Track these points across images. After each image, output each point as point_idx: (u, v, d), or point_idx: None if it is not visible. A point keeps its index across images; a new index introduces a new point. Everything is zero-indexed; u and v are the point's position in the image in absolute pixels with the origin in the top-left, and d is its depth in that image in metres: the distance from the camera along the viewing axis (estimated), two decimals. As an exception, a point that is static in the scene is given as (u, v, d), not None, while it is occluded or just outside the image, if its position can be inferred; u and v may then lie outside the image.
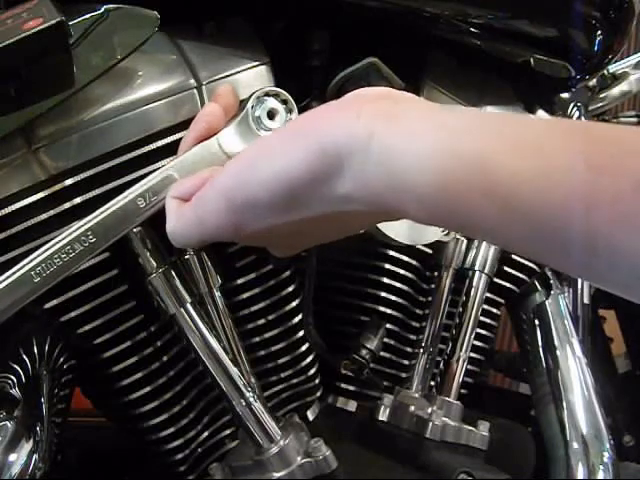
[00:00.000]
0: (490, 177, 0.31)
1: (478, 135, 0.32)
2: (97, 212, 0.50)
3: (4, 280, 0.48)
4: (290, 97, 0.53)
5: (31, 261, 0.49)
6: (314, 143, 0.36)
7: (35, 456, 0.51)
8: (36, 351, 0.58)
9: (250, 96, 0.52)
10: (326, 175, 0.36)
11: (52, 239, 0.50)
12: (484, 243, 0.80)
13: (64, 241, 0.49)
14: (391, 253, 0.76)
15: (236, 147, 0.50)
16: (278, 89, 0.53)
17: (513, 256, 0.86)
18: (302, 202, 0.38)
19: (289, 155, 0.37)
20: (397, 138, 0.34)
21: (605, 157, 0.29)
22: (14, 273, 0.48)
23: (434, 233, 0.68)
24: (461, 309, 0.80)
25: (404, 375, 0.80)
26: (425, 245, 0.78)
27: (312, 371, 0.72)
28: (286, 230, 0.42)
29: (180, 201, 0.48)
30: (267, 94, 0.52)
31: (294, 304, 0.69)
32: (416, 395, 0.79)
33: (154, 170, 0.57)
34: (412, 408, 0.75)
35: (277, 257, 0.66)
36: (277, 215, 0.40)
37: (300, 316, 0.70)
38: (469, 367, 0.82)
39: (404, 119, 0.35)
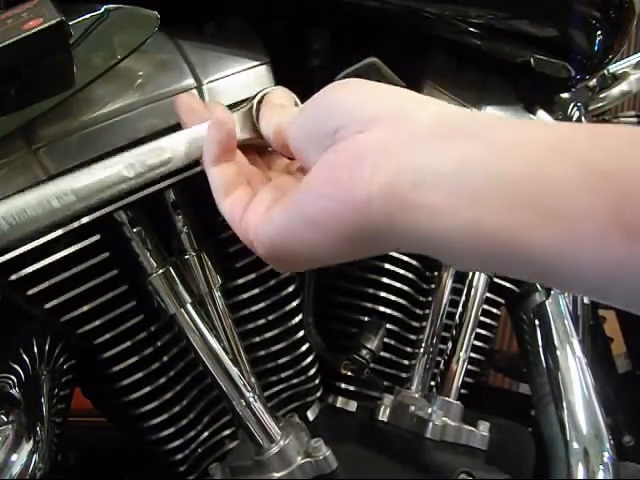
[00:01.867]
0: (523, 250, 0.30)
1: (501, 205, 0.30)
2: (81, 171, 0.46)
3: None
4: (296, 97, 0.53)
5: (3, 207, 0.45)
6: (338, 235, 0.36)
7: (35, 456, 0.51)
8: (36, 351, 0.58)
9: (254, 96, 0.51)
10: (360, 251, 0.37)
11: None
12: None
13: (42, 192, 0.45)
14: (391, 253, 0.76)
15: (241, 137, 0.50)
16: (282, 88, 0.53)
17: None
18: (355, 249, 0.38)
19: (317, 245, 0.37)
20: (417, 219, 0.33)
21: (636, 212, 0.27)
22: None
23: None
24: (461, 309, 0.80)
25: (404, 375, 0.80)
26: (425, 245, 0.78)
27: (312, 371, 0.72)
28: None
29: (221, 174, 0.45)
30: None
31: (294, 304, 0.69)
32: (416, 395, 0.79)
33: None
34: (412, 408, 0.75)
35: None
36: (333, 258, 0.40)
37: (300, 316, 0.70)
38: (469, 367, 0.82)
39: (418, 194, 0.32)
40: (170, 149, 0.48)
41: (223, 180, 0.45)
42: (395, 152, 0.34)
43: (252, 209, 0.42)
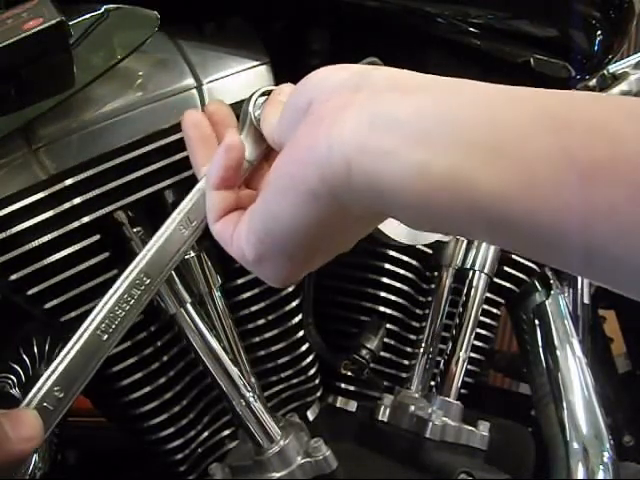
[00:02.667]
0: (472, 196, 0.29)
1: (452, 147, 0.30)
2: (143, 253, 0.49)
3: (73, 347, 0.46)
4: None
5: (94, 319, 0.47)
6: (303, 193, 0.36)
7: (35, 456, 0.51)
8: (36, 351, 0.58)
9: (250, 96, 0.51)
10: (329, 214, 0.37)
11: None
12: (484, 243, 0.81)
13: (121, 290, 0.48)
14: (391, 253, 0.76)
15: (253, 153, 0.50)
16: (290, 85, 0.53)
17: (513, 256, 0.86)
18: (326, 235, 0.40)
19: (291, 210, 0.38)
20: (372, 162, 0.33)
21: (596, 164, 0.26)
22: (80, 337, 0.46)
23: (434, 233, 0.68)
24: (461, 309, 0.80)
25: (404, 375, 0.80)
26: (425, 245, 0.78)
27: (312, 371, 0.72)
28: (318, 263, 0.45)
29: (219, 196, 0.46)
30: (264, 94, 0.52)
31: (294, 304, 0.69)
32: (416, 395, 0.79)
33: (154, 170, 0.57)
34: (412, 408, 0.75)
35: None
36: (311, 253, 0.42)
37: (300, 316, 0.70)
38: (469, 367, 0.82)
39: (374, 137, 0.33)
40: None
41: (220, 205, 0.46)
42: (353, 107, 0.35)
43: (240, 224, 0.43)
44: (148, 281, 0.48)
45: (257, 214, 0.41)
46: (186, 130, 0.49)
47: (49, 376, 0.46)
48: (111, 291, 0.48)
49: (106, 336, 0.47)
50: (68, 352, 0.46)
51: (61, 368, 0.46)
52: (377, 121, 0.33)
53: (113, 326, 0.47)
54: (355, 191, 0.34)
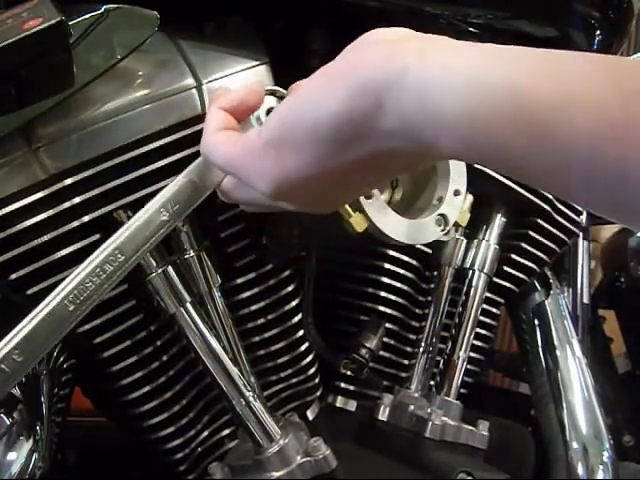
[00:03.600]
0: (519, 105, 0.32)
1: (507, 66, 0.33)
2: (121, 230, 0.49)
3: (38, 313, 0.46)
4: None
5: (63, 289, 0.47)
6: (353, 82, 0.37)
7: (35, 455, 0.51)
8: (36, 351, 0.58)
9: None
10: (367, 112, 0.37)
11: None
12: (484, 243, 0.81)
13: (94, 264, 0.48)
14: (391, 253, 0.76)
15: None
16: (277, 88, 0.53)
17: (513, 256, 0.86)
18: (347, 142, 0.39)
19: (330, 97, 0.38)
20: (429, 72, 0.35)
21: (634, 84, 0.29)
22: (47, 304, 0.47)
23: (434, 233, 0.68)
24: (461, 309, 0.80)
25: (404, 375, 0.80)
26: (425, 245, 0.78)
27: (312, 370, 0.72)
28: (328, 179, 0.42)
29: (227, 116, 0.47)
30: (265, 93, 0.52)
31: (294, 304, 0.69)
32: (416, 395, 0.79)
33: (154, 170, 0.57)
34: (412, 408, 0.75)
35: (278, 257, 0.66)
36: (323, 159, 0.40)
37: (300, 315, 0.70)
38: (469, 367, 0.82)
39: (435, 54, 0.36)
40: (194, 180, 0.50)
41: (223, 121, 0.47)
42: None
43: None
44: (122, 258, 0.49)
45: (286, 104, 0.42)
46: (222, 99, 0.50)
47: (11, 339, 0.46)
48: (84, 263, 0.48)
49: (73, 307, 0.47)
50: (34, 317, 0.46)
51: (24, 332, 0.46)
52: (441, 46, 0.37)
53: (81, 298, 0.47)
54: (402, 99, 0.36)
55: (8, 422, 0.51)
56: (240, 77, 0.60)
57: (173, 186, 0.50)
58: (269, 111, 0.52)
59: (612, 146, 0.28)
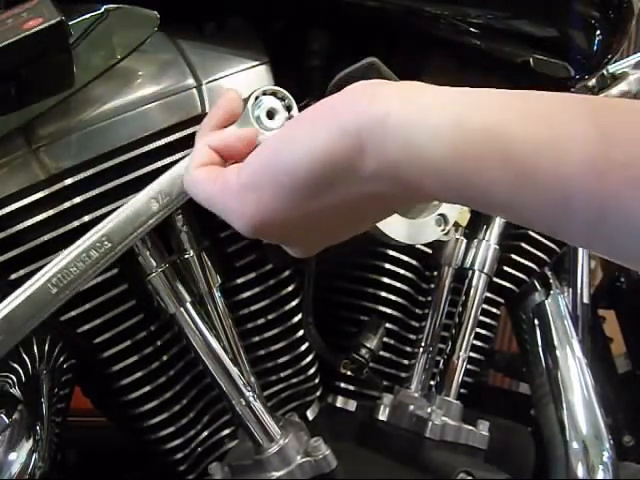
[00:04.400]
0: (504, 146, 0.32)
1: (491, 108, 0.34)
2: (110, 217, 0.49)
3: (21, 294, 0.46)
4: (290, 96, 0.53)
5: (47, 272, 0.47)
6: (334, 125, 0.37)
7: (35, 455, 0.51)
8: (36, 351, 0.58)
9: (249, 95, 0.52)
10: (349, 155, 0.37)
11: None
12: (484, 243, 0.81)
13: (79, 249, 0.48)
14: (391, 253, 0.76)
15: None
16: (277, 88, 0.53)
17: (513, 256, 0.86)
18: (327, 186, 0.39)
19: (311, 139, 0.38)
20: (412, 113, 0.35)
21: (615, 125, 0.30)
22: (30, 286, 0.47)
23: (434, 233, 0.68)
24: (461, 309, 0.80)
25: (404, 375, 0.80)
26: (425, 245, 0.78)
27: (312, 370, 0.72)
28: (307, 222, 0.42)
29: (212, 153, 0.47)
30: (266, 93, 0.52)
31: (294, 304, 0.69)
32: (416, 395, 0.79)
33: (154, 170, 0.57)
34: (412, 408, 0.75)
35: (278, 257, 0.66)
36: (302, 202, 0.40)
37: (300, 315, 0.70)
38: (469, 367, 0.82)
39: (418, 96, 0.36)
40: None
41: (207, 157, 0.46)
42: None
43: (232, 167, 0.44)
44: (109, 245, 0.49)
45: (266, 145, 0.42)
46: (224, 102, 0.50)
47: None
48: (71, 247, 0.48)
49: (55, 290, 0.47)
50: (15, 298, 0.46)
51: (5, 312, 0.46)
52: (424, 90, 0.37)
53: (65, 282, 0.48)
54: (384, 141, 0.36)
55: (8, 422, 0.51)
56: (240, 77, 0.60)
57: (165, 178, 0.50)
58: (269, 112, 0.52)
59: (593, 184, 0.30)
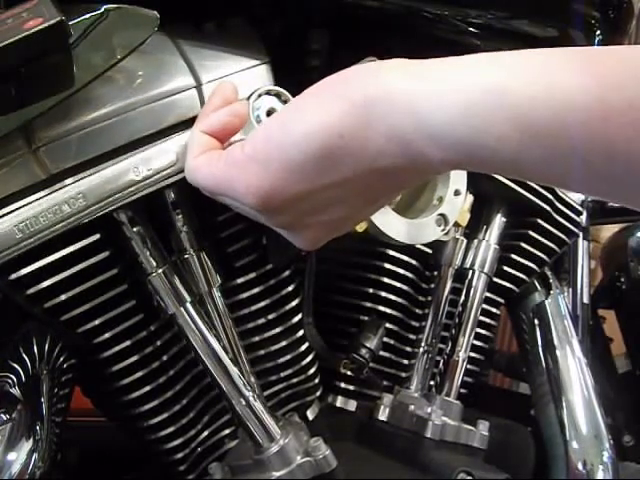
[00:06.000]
0: (510, 104, 0.33)
1: (492, 70, 0.35)
2: (91, 177, 0.49)
3: None
4: (290, 96, 0.53)
5: (16, 215, 0.47)
6: (342, 98, 0.38)
7: (35, 455, 0.51)
8: (36, 351, 0.58)
9: (250, 95, 0.52)
10: (357, 127, 0.38)
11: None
12: (484, 243, 0.81)
13: (53, 201, 0.48)
14: (391, 253, 0.76)
15: (236, 138, 0.51)
16: (278, 88, 0.53)
17: (513, 256, 0.86)
18: (335, 161, 0.39)
19: (319, 112, 0.39)
20: (417, 82, 0.37)
21: (610, 70, 0.32)
22: None
23: (434, 233, 0.68)
24: (461, 309, 0.80)
25: (404, 375, 0.80)
26: (425, 245, 0.78)
27: (312, 370, 0.72)
28: (315, 201, 0.42)
29: (210, 139, 0.47)
30: (267, 93, 0.52)
31: (294, 304, 0.69)
32: (416, 395, 0.79)
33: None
34: (412, 408, 0.75)
35: (278, 257, 0.66)
36: (311, 178, 0.40)
37: (300, 315, 0.70)
38: (469, 367, 0.82)
39: (420, 67, 0.38)
40: (175, 151, 0.50)
41: (206, 145, 0.46)
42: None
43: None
44: (83, 203, 0.49)
45: (273, 120, 0.42)
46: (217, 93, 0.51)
47: None
48: (46, 197, 0.48)
49: (20, 235, 0.47)
50: None
51: None
52: (425, 62, 0.38)
53: (31, 229, 0.47)
54: (392, 112, 0.37)
55: (8, 422, 0.51)
56: (240, 77, 0.60)
57: (150, 150, 0.50)
58: (269, 112, 0.52)
59: (598, 131, 0.31)
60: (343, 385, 0.77)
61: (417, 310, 0.81)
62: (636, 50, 0.32)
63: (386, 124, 0.37)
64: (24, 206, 0.49)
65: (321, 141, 0.38)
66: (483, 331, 0.87)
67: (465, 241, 0.80)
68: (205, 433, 0.69)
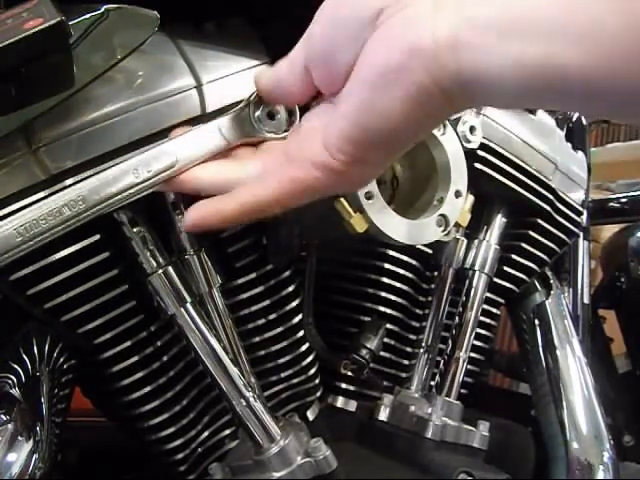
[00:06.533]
0: (563, 78, 0.35)
1: (537, 37, 0.35)
2: (90, 180, 0.49)
3: None
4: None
5: (16, 218, 0.47)
6: (411, 86, 0.38)
7: (35, 456, 0.51)
8: (36, 351, 0.58)
9: (250, 95, 0.52)
10: (436, 103, 0.39)
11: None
12: (484, 243, 0.81)
13: (53, 204, 0.48)
14: (391, 253, 0.76)
15: (235, 135, 0.51)
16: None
17: (513, 256, 0.86)
18: (425, 126, 0.42)
19: (396, 107, 0.39)
20: (478, 64, 0.37)
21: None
22: None
23: (434, 233, 0.68)
24: (461, 309, 0.80)
25: (404, 375, 0.80)
26: (425, 245, 0.78)
27: (312, 371, 0.72)
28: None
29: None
30: None
31: (294, 304, 0.69)
32: (416, 395, 0.79)
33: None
34: (412, 408, 0.75)
35: (277, 257, 0.66)
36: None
37: (300, 316, 0.70)
38: (469, 367, 0.82)
39: (475, 39, 0.37)
40: (174, 153, 0.49)
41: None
42: (446, 11, 0.38)
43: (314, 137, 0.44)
44: (82, 206, 0.49)
45: (348, 118, 0.42)
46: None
47: None
48: (46, 200, 0.48)
49: (20, 238, 0.47)
50: None
51: None
52: (475, 24, 0.37)
53: (31, 232, 0.47)
54: (465, 87, 0.38)
55: (8, 423, 0.51)
56: (240, 77, 0.60)
57: (152, 152, 0.50)
58: (270, 112, 0.52)
59: None
60: (343, 385, 0.77)
61: (417, 310, 0.81)
62: None
63: (461, 96, 0.39)
64: (24, 208, 0.49)
65: (410, 127, 0.41)
66: (483, 331, 0.87)
67: (465, 241, 0.80)
68: (205, 433, 0.69)
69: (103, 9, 0.52)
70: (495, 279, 0.84)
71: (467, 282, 0.80)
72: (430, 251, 0.79)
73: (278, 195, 0.45)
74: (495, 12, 0.36)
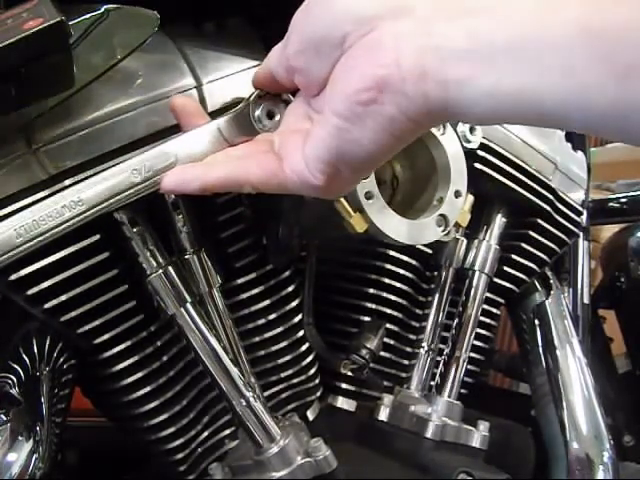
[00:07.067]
0: (536, 105, 0.35)
1: (511, 67, 0.35)
2: (90, 180, 0.49)
3: None
4: (290, 96, 0.53)
5: (16, 219, 0.47)
6: (383, 119, 0.39)
7: (35, 456, 0.51)
8: (36, 351, 0.59)
9: (250, 95, 0.52)
10: (409, 132, 0.40)
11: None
12: (484, 243, 0.81)
13: (53, 204, 0.48)
14: (391, 253, 0.76)
15: (234, 135, 0.51)
16: None
17: (513, 256, 0.86)
18: (397, 149, 0.42)
19: (370, 138, 0.40)
20: (448, 95, 0.37)
21: (629, 68, 0.31)
22: None
23: (434, 233, 0.68)
24: (461, 309, 0.80)
25: (404, 375, 0.80)
26: (425, 245, 0.78)
27: (312, 371, 0.72)
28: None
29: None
30: (267, 93, 0.52)
31: (294, 304, 0.69)
32: (416, 395, 0.79)
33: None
34: (412, 408, 0.75)
35: (277, 257, 0.66)
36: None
37: (300, 316, 0.70)
38: (469, 367, 0.82)
39: (443, 71, 0.36)
40: (174, 153, 0.49)
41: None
42: (410, 38, 0.38)
43: (291, 155, 0.45)
44: (82, 207, 0.49)
45: (324, 142, 0.42)
46: (178, 118, 0.52)
47: None
48: (46, 201, 0.48)
49: (20, 239, 0.47)
50: None
51: None
52: (443, 55, 0.36)
53: (31, 233, 0.47)
54: (433, 115, 0.38)
55: (8, 423, 0.51)
56: (240, 77, 0.60)
57: (152, 153, 0.50)
58: (269, 112, 0.52)
59: (617, 114, 0.32)
60: (343, 385, 0.77)
61: (417, 310, 0.81)
62: None
63: (433, 124, 0.41)
64: (24, 208, 0.49)
65: (383, 153, 0.42)
66: (483, 331, 0.87)
67: (465, 241, 0.80)
68: (205, 433, 0.69)
69: (103, 9, 0.52)
70: (495, 279, 0.83)
71: (467, 282, 0.80)
72: (430, 251, 0.79)
73: (255, 180, 0.46)
74: (464, 39, 0.36)
